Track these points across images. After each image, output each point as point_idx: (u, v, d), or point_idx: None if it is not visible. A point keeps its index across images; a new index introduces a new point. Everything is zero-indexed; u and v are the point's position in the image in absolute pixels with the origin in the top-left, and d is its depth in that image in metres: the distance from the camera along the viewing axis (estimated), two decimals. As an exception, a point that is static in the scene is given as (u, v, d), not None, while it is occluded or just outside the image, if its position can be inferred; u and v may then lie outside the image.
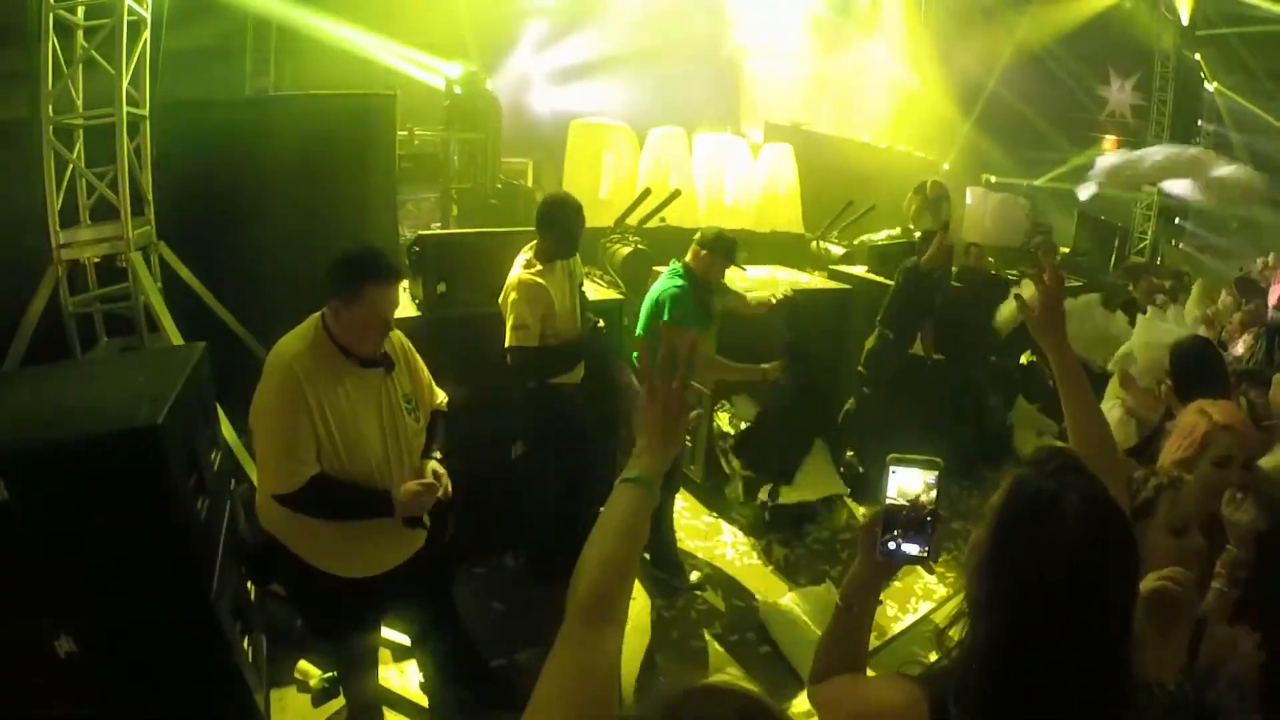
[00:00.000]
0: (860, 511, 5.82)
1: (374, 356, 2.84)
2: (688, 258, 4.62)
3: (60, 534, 2.48)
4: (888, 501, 1.42)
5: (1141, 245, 15.47)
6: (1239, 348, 4.72)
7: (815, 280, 7.23)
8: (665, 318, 4.40)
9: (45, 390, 2.98)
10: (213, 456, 3.34)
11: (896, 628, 4.66)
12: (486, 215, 7.33)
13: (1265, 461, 2.80)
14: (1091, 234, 13.20)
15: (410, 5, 9.58)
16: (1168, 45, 15.70)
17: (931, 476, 1.40)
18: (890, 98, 14.96)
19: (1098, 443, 1.88)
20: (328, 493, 2.67)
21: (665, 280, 4.59)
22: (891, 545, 1.41)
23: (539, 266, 4.08)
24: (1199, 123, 17.17)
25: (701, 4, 13.25)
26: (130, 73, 4.70)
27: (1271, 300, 5.97)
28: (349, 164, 6.33)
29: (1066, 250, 12.29)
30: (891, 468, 1.42)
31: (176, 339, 4.55)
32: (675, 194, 6.95)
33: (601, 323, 4.41)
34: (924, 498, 1.40)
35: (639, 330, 4.61)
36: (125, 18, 4.58)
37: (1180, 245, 17.17)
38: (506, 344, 3.96)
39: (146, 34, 4.86)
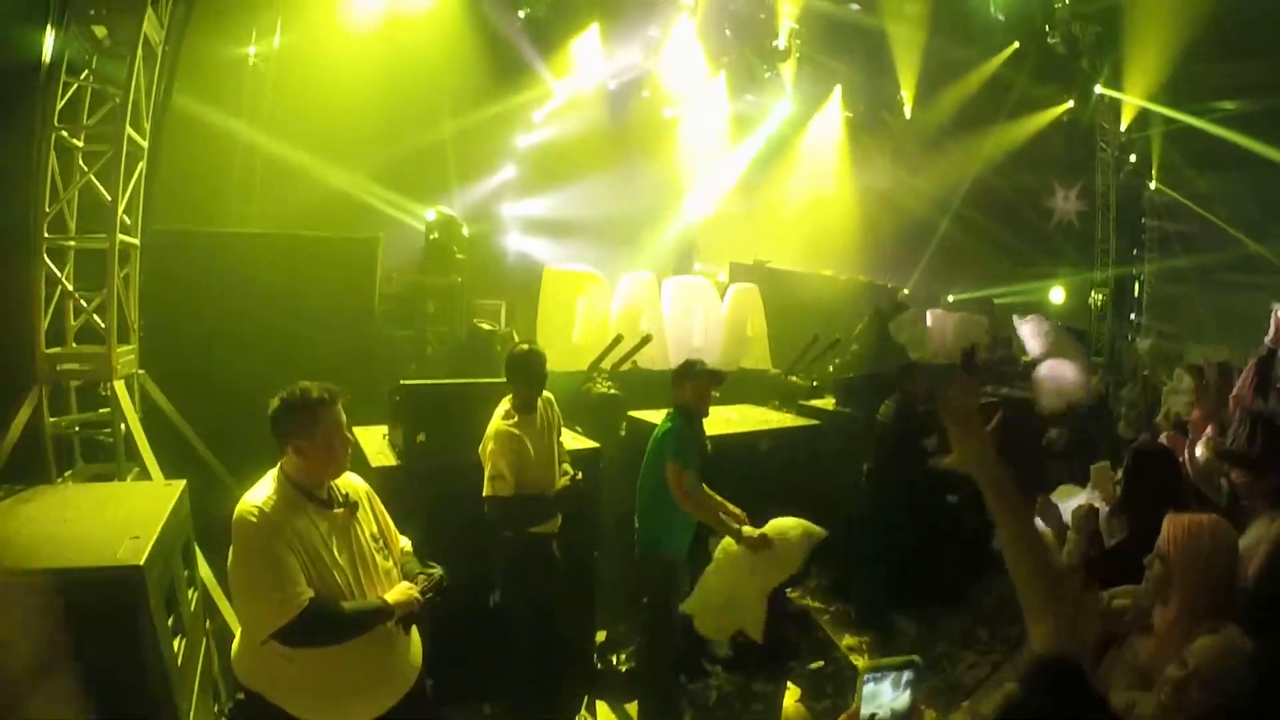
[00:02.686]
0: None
1: (335, 498, 2.88)
2: (674, 399, 4.87)
3: (32, 666, 2.42)
4: (863, 714, 1.45)
5: (1099, 346, 15.89)
6: (1199, 449, 4.86)
7: (785, 418, 7.31)
8: (669, 457, 4.60)
9: (25, 514, 2.97)
10: (190, 596, 3.33)
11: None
12: (460, 359, 7.47)
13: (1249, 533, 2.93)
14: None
15: (395, 147, 9.92)
16: (1106, 156, 16.47)
17: (908, 676, 1.46)
18: (850, 227, 15.54)
19: (1037, 573, 1.73)
20: (328, 614, 2.66)
21: (662, 424, 4.82)
22: None
23: (516, 418, 4.21)
24: (1143, 220, 17.80)
25: (670, 149, 13.88)
26: (125, 201, 4.82)
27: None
28: (330, 304, 6.49)
29: (1027, 359, 12.55)
30: (866, 677, 1.48)
31: (156, 472, 4.55)
32: (645, 339, 7.14)
33: (579, 474, 4.47)
34: (900, 700, 1.46)
35: (644, 474, 4.82)
36: (125, 147, 4.72)
37: (1135, 340, 17.62)
38: (484, 493, 4.05)
39: (143, 164, 5.02)
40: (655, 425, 5.18)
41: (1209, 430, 4.92)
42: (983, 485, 1.79)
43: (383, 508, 3.17)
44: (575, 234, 12.15)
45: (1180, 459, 4.33)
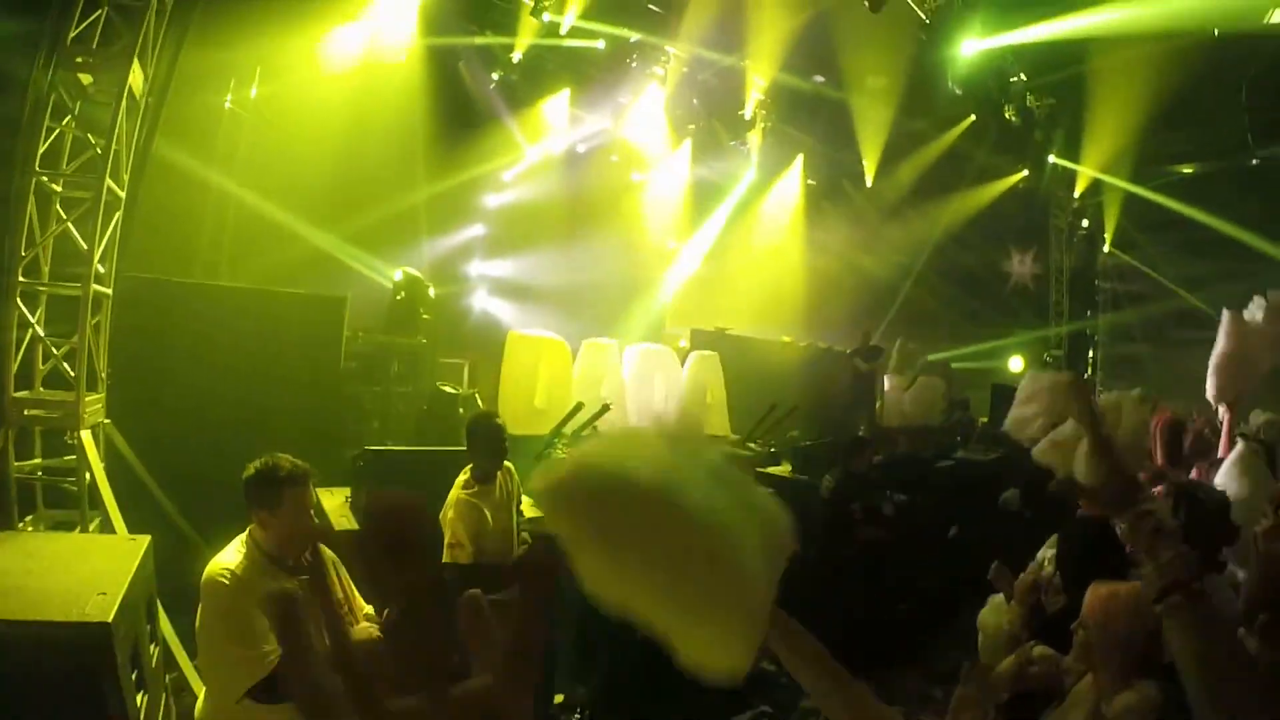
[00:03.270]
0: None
1: (300, 564, 2.91)
2: None
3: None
4: None
5: (1056, 408, 16.15)
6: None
7: None
8: None
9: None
10: (152, 651, 3.34)
11: None
12: (423, 421, 7.53)
13: None
14: (1006, 402, 13.78)
15: (365, 204, 10.02)
16: (1060, 221, 16.98)
17: None
18: (810, 293, 15.83)
19: None
20: None
21: None
22: None
23: (476, 488, 4.32)
24: (1096, 282, 18.20)
25: (635, 214, 14.14)
26: (101, 249, 4.85)
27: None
28: (297, 361, 6.54)
29: (985, 420, 12.77)
30: None
31: (120, 525, 4.53)
32: (605, 408, 7.26)
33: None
34: None
35: None
36: (104, 196, 4.76)
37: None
38: (443, 560, 4.12)
39: (119, 214, 5.06)
40: None
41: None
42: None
43: (348, 577, 3.22)
44: (540, 296, 12.32)
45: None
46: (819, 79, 14.12)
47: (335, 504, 4.96)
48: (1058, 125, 15.33)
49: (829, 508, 6.73)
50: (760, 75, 14.02)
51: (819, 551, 6.57)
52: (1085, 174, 16.13)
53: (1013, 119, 14.36)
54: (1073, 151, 15.86)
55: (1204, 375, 6.08)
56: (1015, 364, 17.48)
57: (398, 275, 8.79)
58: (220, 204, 9.45)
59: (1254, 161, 14.11)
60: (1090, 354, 17.94)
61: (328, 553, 3.14)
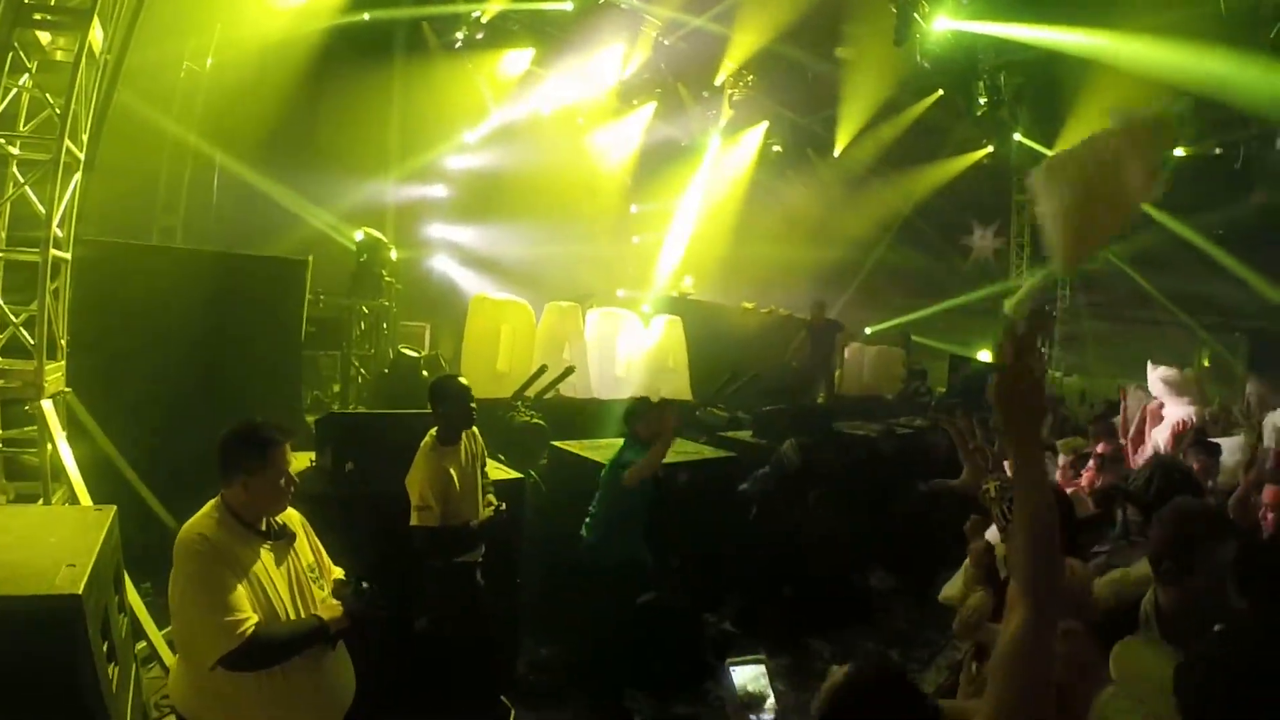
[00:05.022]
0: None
1: (272, 529, 2.93)
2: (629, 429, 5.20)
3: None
4: (736, 690, 1.82)
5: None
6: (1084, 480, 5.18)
7: (703, 449, 7.36)
8: (624, 469, 4.87)
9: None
10: (121, 622, 3.31)
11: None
12: (385, 384, 7.48)
13: (1134, 570, 3.16)
14: (963, 374, 14.09)
15: (325, 161, 9.85)
16: (1023, 198, 17.17)
17: (760, 666, 1.84)
18: (774, 260, 15.91)
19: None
20: (271, 637, 2.70)
21: (617, 453, 5.11)
22: (752, 716, 1.81)
23: (442, 449, 4.31)
24: None
25: (599, 178, 14.08)
26: (60, 213, 4.69)
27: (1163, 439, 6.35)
28: (258, 325, 6.43)
29: (942, 390, 12.98)
30: (729, 669, 1.84)
31: (85, 496, 4.46)
32: (569, 370, 7.28)
33: (503, 505, 4.58)
34: (760, 682, 1.83)
35: (601, 493, 5.05)
36: (62, 158, 4.60)
37: (1049, 372, 18.23)
38: (411, 523, 4.13)
39: (79, 176, 4.89)
40: (577, 455, 5.47)
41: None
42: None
43: (317, 539, 3.23)
44: (502, 258, 12.29)
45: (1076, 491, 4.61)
46: (788, 49, 14.08)
47: (300, 468, 4.93)
48: (1023, 103, 15.45)
49: (788, 475, 6.69)
50: (732, 41, 13.95)
51: (778, 513, 6.63)
52: (1049, 154, 16.29)
53: (980, 96, 14.46)
54: (1039, 129, 16.00)
55: (1151, 354, 6.23)
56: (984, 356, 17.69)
57: (359, 237, 8.68)
58: (177, 166, 9.25)
59: (1217, 151, 14.42)
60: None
61: (296, 516, 3.14)
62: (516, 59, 13.15)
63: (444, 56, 12.17)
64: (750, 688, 1.83)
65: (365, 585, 3.11)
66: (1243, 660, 1.46)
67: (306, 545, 3.11)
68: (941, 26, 12.47)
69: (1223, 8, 10.58)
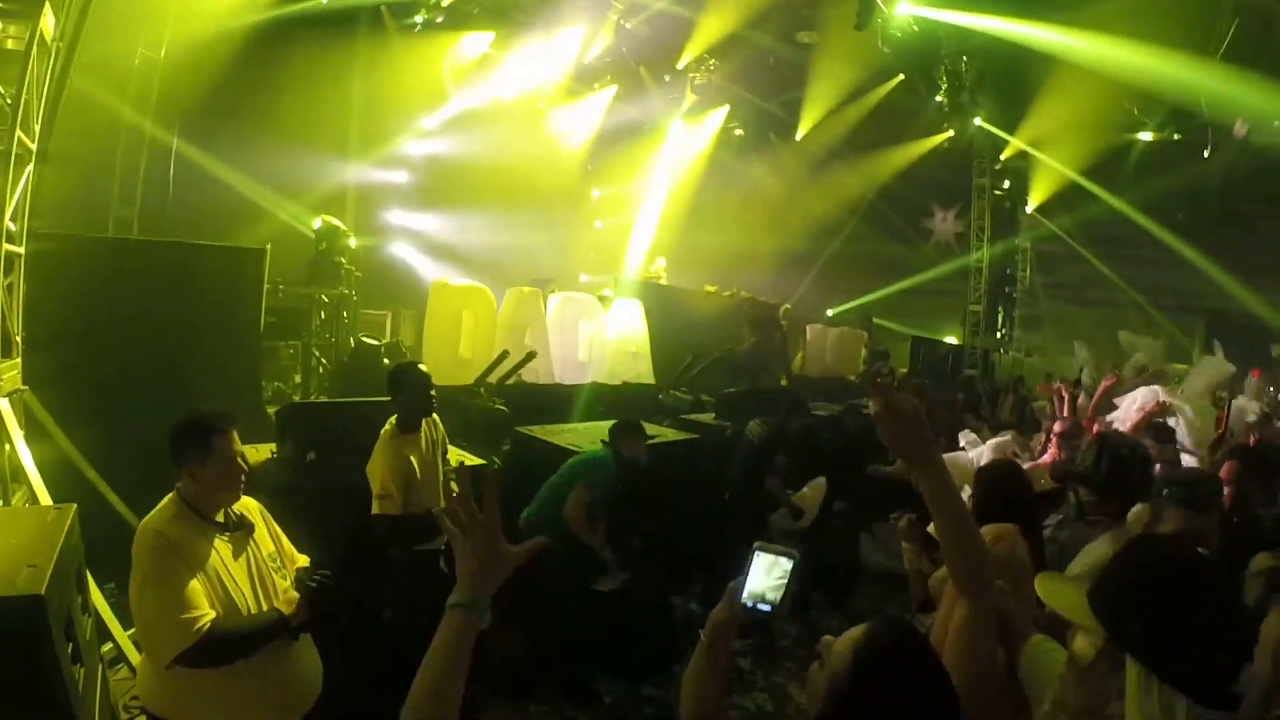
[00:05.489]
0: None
1: (230, 520, 2.92)
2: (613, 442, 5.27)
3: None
4: (753, 574, 1.79)
5: (972, 360, 16.75)
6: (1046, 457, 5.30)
7: (665, 432, 7.40)
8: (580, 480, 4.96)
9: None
10: (85, 623, 3.26)
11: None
12: (346, 374, 7.46)
13: (1093, 546, 3.25)
14: (925, 355, 14.31)
15: (284, 148, 9.72)
16: (984, 182, 17.39)
17: (787, 562, 1.78)
18: (736, 243, 15.99)
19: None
20: (229, 634, 2.68)
21: (593, 452, 5.21)
22: (750, 603, 1.78)
23: (402, 437, 4.31)
24: (1015, 241, 18.74)
25: (560, 163, 14.04)
26: (12, 206, 4.60)
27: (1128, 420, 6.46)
28: (216, 317, 6.35)
29: (905, 371, 13.16)
30: (757, 550, 1.80)
31: (44, 496, 4.39)
32: (530, 355, 7.31)
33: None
34: (777, 578, 1.79)
35: (555, 487, 5.10)
36: (14, 150, 4.52)
37: (1010, 353, 18.56)
38: (372, 512, 4.14)
39: (31, 168, 4.78)
40: (541, 440, 5.54)
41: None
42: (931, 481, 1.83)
43: (278, 527, 3.21)
44: (463, 245, 12.25)
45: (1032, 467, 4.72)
46: (752, 32, 14.10)
47: (261, 458, 4.89)
48: (985, 88, 15.61)
49: (753, 456, 6.80)
50: (694, 25, 13.94)
51: (740, 492, 6.74)
52: (1012, 142, 16.50)
53: (941, 80, 14.60)
54: (1000, 114, 16.18)
55: (1103, 334, 6.37)
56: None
57: (317, 224, 8.62)
58: (133, 155, 9.10)
59: (1176, 136, 14.68)
60: (1003, 310, 18.47)
61: (255, 505, 3.13)
62: (476, 42, 13.05)
63: (403, 40, 12.04)
64: (759, 584, 1.80)
65: (320, 576, 3.05)
66: (1147, 568, 1.54)
67: (266, 534, 3.09)
68: (904, 11, 12.58)
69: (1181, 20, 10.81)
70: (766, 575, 1.80)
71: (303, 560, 3.26)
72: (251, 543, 2.98)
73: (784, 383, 10.91)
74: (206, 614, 2.64)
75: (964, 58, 14.43)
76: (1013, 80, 14.53)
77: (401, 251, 12.66)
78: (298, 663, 2.98)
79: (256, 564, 2.95)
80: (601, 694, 5.26)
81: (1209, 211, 15.63)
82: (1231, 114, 11.96)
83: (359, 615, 4.23)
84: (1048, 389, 7.27)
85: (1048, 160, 16.12)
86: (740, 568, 1.81)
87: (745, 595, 1.79)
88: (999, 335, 17.92)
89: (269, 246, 6.94)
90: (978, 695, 1.64)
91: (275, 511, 3.24)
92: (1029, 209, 17.94)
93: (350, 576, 3.38)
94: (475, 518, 1.53)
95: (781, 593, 1.79)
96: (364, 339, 7.59)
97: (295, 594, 3.02)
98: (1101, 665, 1.53)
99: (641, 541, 5.80)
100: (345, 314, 8.40)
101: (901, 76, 15.42)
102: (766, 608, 1.79)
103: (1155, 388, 6.28)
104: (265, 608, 2.90)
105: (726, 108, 16.43)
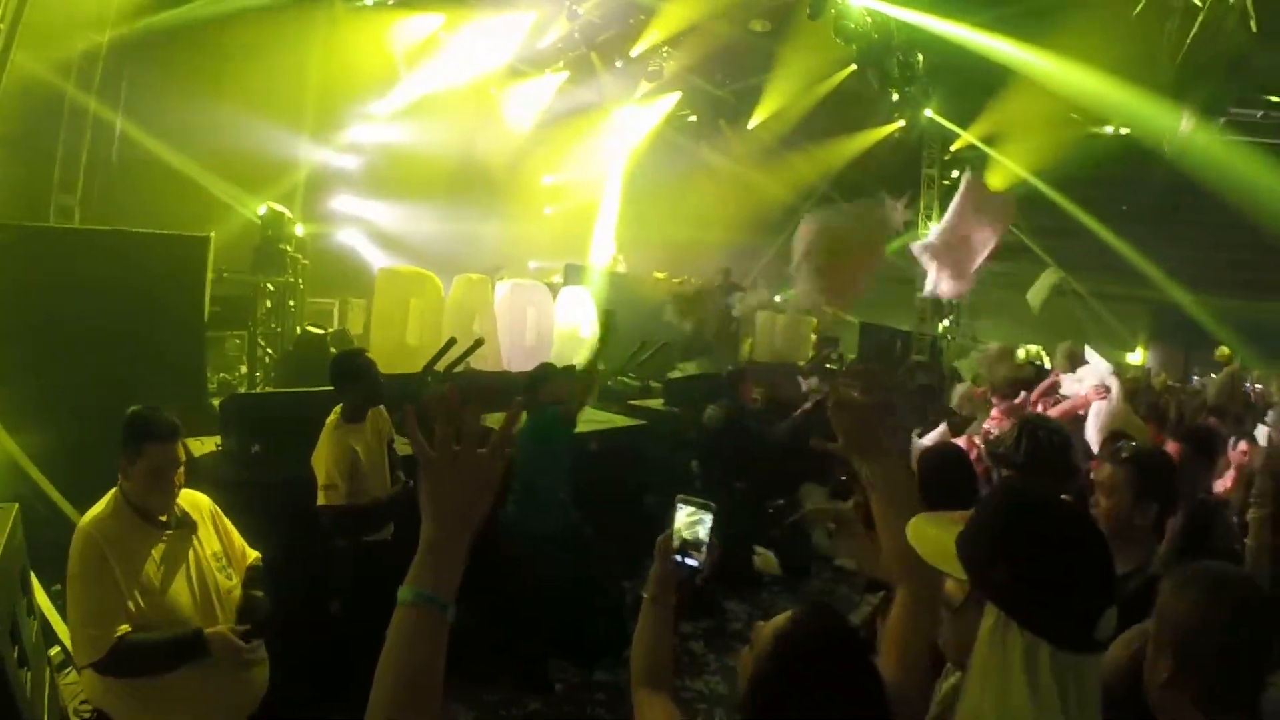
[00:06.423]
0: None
1: (171, 518, 2.88)
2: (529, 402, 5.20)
3: None
4: (677, 526, 1.88)
5: (921, 347, 17.00)
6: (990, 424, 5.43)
7: (614, 418, 7.50)
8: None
9: None
10: (31, 626, 3.19)
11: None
12: (292, 364, 7.40)
13: None
14: (873, 342, 14.53)
15: (229, 132, 9.53)
16: (933, 172, 17.64)
17: (707, 515, 1.87)
18: (688, 232, 16.06)
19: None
20: (139, 649, 2.63)
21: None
22: (679, 557, 1.87)
23: (347, 426, 4.30)
24: None
25: (510, 149, 13.97)
26: None
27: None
28: (159, 307, 6.23)
29: (853, 357, 13.35)
30: (679, 504, 1.89)
31: None
32: (478, 343, 7.33)
33: (412, 481, 4.54)
34: (700, 530, 1.87)
35: (515, 467, 5.07)
36: None
37: (956, 339, 18.84)
38: (318, 503, 4.13)
39: None
40: (489, 429, 5.29)
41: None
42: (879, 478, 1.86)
43: (228, 523, 3.16)
44: (412, 232, 12.19)
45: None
46: (706, 20, 14.13)
47: (206, 451, 4.87)
48: (936, 80, 15.82)
49: (716, 437, 6.85)
50: (647, 11, 13.93)
51: (704, 479, 6.79)
52: (962, 135, 16.76)
53: (893, 71, 14.78)
54: (951, 106, 16.41)
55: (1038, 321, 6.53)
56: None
57: (262, 211, 8.52)
58: (75, 139, 8.88)
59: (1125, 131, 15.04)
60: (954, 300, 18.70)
61: (205, 502, 3.09)
62: (427, 23, 12.92)
63: (353, 20, 11.88)
64: (685, 533, 1.88)
65: (266, 614, 3.03)
66: (1012, 516, 1.52)
67: (212, 532, 3.05)
68: (858, 3, 12.73)
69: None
70: (690, 526, 1.88)
71: (254, 556, 3.23)
72: (195, 541, 2.94)
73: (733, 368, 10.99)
74: (117, 629, 2.61)
75: (916, 50, 14.60)
76: (967, 75, 14.71)
77: (350, 239, 12.55)
78: (245, 662, 2.95)
79: (198, 564, 2.92)
80: (554, 681, 5.28)
81: (1151, 206, 16.01)
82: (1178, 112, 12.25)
83: (308, 608, 4.20)
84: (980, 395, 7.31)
85: (997, 156, 16.37)
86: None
87: (674, 548, 1.88)
88: (947, 323, 18.16)
89: (213, 234, 6.85)
90: (912, 682, 1.67)
91: (221, 505, 3.20)
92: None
93: (297, 569, 3.39)
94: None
95: (706, 545, 1.87)
96: (309, 328, 7.55)
97: (238, 595, 3.00)
98: (972, 606, 1.53)
99: (591, 527, 5.86)
100: (292, 303, 8.33)
101: (854, 67, 15.55)
102: (694, 561, 1.87)
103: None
104: (205, 610, 2.86)
105: (679, 94, 16.44)
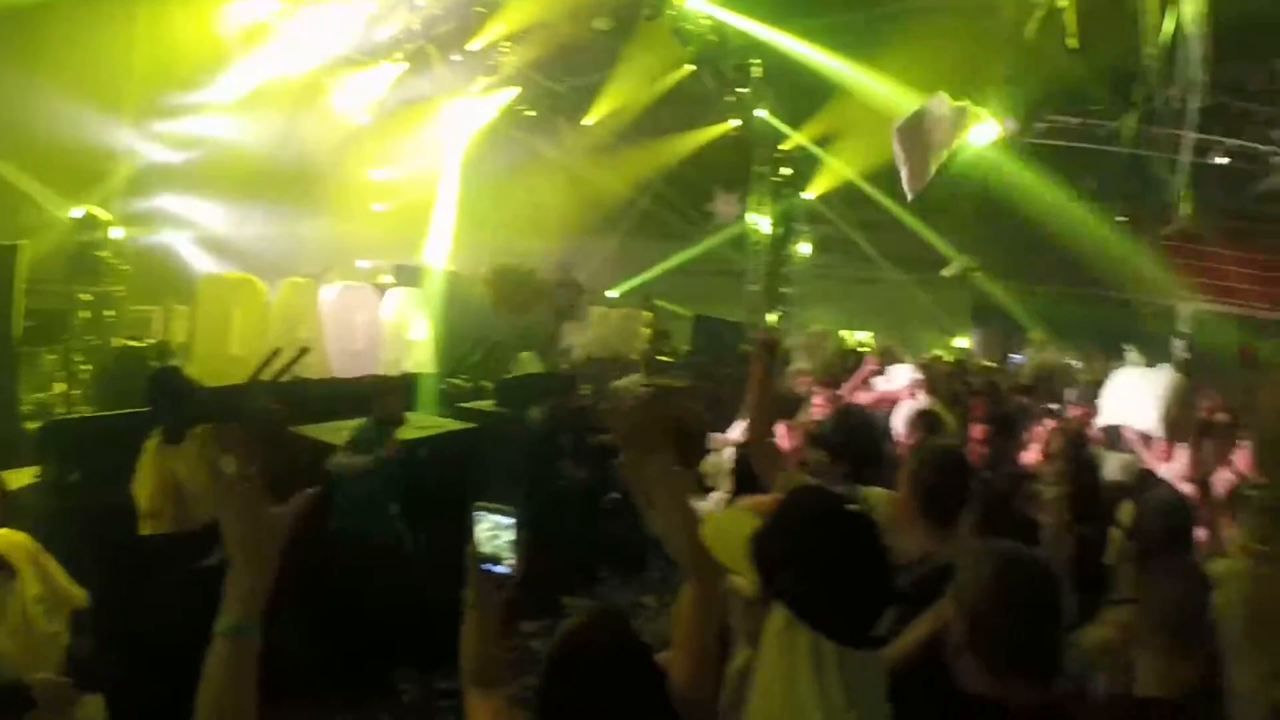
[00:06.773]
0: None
1: None
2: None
3: None
4: (479, 536, 1.88)
5: (753, 338, 17.79)
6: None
7: (444, 422, 7.41)
8: None
9: None
10: None
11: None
12: (113, 381, 7.20)
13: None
14: (705, 333, 15.16)
15: (50, 129, 9.08)
16: (763, 169, 18.51)
17: (508, 520, 1.87)
18: (523, 227, 16.21)
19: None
20: None
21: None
22: (487, 566, 1.88)
23: (168, 449, 4.19)
24: (792, 225, 19.85)
25: (340, 144, 13.70)
26: None
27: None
28: None
29: (688, 348, 13.87)
30: (476, 513, 1.90)
31: None
32: (303, 351, 7.33)
33: None
34: (502, 537, 1.87)
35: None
36: None
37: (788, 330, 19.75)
38: (141, 532, 4.06)
39: None
40: (319, 441, 5.55)
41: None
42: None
43: (51, 563, 3.09)
44: (238, 233, 11.84)
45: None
46: (549, 18, 14.26)
47: (23, 483, 4.57)
48: (770, 83, 16.59)
49: (538, 441, 7.11)
50: (487, 4, 13.97)
51: (527, 484, 6.90)
52: (792, 136, 17.61)
53: (728, 73, 15.44)
54: (783, 108, 17.22)
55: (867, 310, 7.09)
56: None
57: (77, 213, 8.16)
58: None
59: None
60: (781, 290, 19.59)
61: (23, 542, 3.03)
62: (259, 6, 12.44)
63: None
64: (487, 545, 1.86)
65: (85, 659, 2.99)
66: (801, 522, 1.63)
67: (33, 575, 2.97)
68: (695, 6, 13.23)
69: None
70: (491, 535, 1.87)
71: (79, 595, 3.17)
72: (16, 586, 2.87)
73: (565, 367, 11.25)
74: None
75: (751, 54, 15.29)
76: (799, 80, 15.43)
77: (174, 241, 12.01)
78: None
79: (17, 610, 2.84)
80: (399, 690, 5.34)
81: (970, 207, 17.22)
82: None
83: (140, 643, 4.04)
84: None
85: (824, 156, 17.34)
86: (538, 557, 1.93)
87: (479, 557, 1.88)
88: (777, 314, 18.99)
89: (24, 242, 6.61)
90: (700, 679, 1.73)
91: (41, 540, 3.12)
92: (808, 196, 19.14)
93: (125, 605, 3.41)
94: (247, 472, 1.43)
95: (512, 550, 1.85)
96: (128, 342, 7.34)
97: (65, 637, 2.98)
98: (762, 600, 1.63)
99: (424, 535, 5.85)
100: (111, 313, 8.06)
101: (691, 68, 16.07)
102: (503, 568, 1.86)
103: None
104: (25, 656, 2.79)
105: (517, 90, 16.51)
